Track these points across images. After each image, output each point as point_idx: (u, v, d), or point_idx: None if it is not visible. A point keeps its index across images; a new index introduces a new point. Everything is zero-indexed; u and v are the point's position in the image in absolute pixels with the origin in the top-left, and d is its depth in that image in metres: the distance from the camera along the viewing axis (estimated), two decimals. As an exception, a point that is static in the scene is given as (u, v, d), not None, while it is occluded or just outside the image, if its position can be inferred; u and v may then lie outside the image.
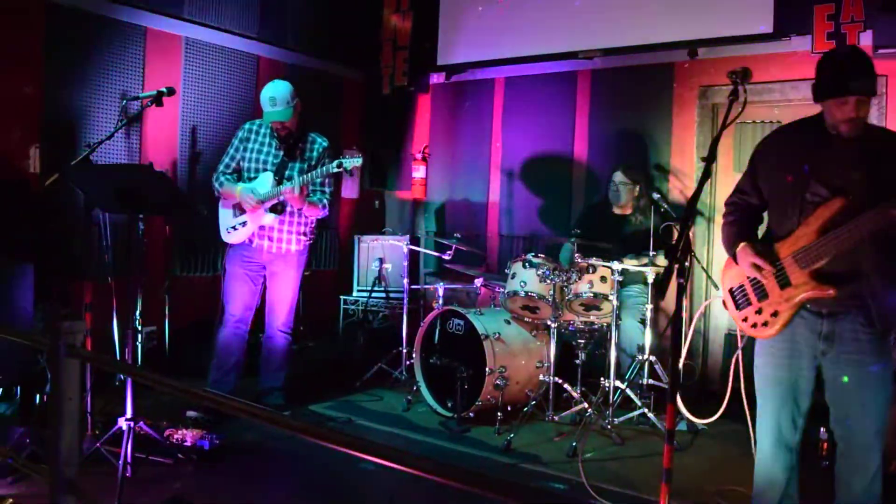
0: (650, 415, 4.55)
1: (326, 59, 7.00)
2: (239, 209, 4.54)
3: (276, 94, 4.44)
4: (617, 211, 5.38)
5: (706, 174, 2.43)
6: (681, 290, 2.17)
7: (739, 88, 2.62)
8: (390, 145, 7.40)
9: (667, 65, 5.96)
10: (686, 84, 5.89)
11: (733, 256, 2.89)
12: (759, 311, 2.80)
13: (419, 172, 7.09)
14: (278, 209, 4.50)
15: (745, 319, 2.85)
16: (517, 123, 6.70)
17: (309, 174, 4.35)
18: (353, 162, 4.30)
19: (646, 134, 6.02)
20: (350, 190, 7.34)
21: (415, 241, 6.38)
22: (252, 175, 4.57)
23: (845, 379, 2.67)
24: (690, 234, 5.68)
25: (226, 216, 4.63)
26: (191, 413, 4.26)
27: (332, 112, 7.13)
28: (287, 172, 4.52)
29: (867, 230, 2.51)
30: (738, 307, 2.89)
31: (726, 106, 2.64)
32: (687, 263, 2.27)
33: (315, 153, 4.62)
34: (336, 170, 4.27)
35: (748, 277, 2.84)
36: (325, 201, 4.63)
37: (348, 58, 7.22)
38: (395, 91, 7.11)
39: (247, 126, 4.71)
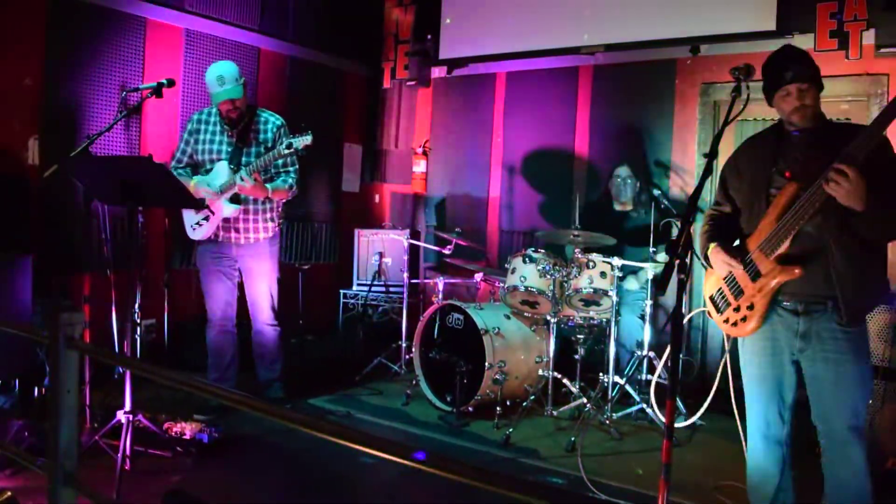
0: (649, 410, 4.55)
1: (328, 53, 6.99)
2: None
3: (223, 72, 4.25)
4: (618, 207, 5.37)
5: (707, 170, 2.44)
6: (681, 287, 2.17)
7: (742, 85, 2.63)
8: (390, 139, 7.37)
9: (669, 61, 5.95)
10: (688, 81, 5.88)
11: (706, 260, 2.96)
12: (736, 309, 2.84)
13: (419, 167, 7.09)
14: (239, 199, 4.35)
15: (726, 321, 2.90)
16: (518, 118, 6.69)
17: (257, 161, 4.20)
18: (303, 140, 4.09)
19: (647, 130, 6.01)
20: (350, 184, 7.32)
21: (415, 235, 6.37)
22: (208, 167, 4.43)
23: (822, 376, 2.69)
24: (691, 231, 5.69)
25: (189, 213, 4.51)
26: (198, 416, 4.18)
27: (333, 105, 7.11)
28: (244, 159, 4.36)
29: (814, 205, 2.54)
30: (718, 311, 2.94)
31: (729, 103, 2.65)
32: (687, 259, 2.26)
33: (269, 133, 4.43)
34: (286, 151, 4.11)
35: (723, 279, 2.90)
36: (290, 181, 4.47)
37: (350, 51, 7.20)
38: (395, 85, 7.09)
39: (195, 117, 4.55)
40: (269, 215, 4.52)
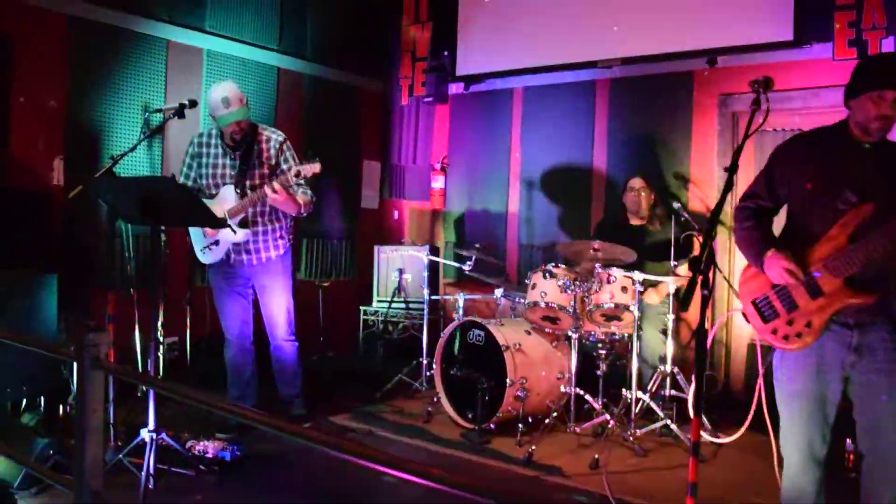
0: (673, 426, 4.50)
1: (345, 70, 7.05)
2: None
3: (228, 93, 4.15)
4: (635, 222, 5.34)
5: (729, 184, 2.41)
6: (705, 302, 2.14)
7: (761, 97, 2.60)
8: (409, 156, 7.40)
9: (686, 73, 5.93)
10: (706, 92, 5.86)
11: (760, 264, 2.81)
12: (790, 322, 2.73)
13: (438, 183, 7.10)
14: (247, 223, 4.31)
15: (774, 332, 2.78)
16: (536, 133, 6.69)
17: (280, 178, 4.07)
18: (311, 168, 4.02)
19: (665, 142, 5.99)
20: (369, 200, 7.36)
21: (434, 251, 6.37)
22: (213, 191, 4.36)
23: (875, 389, 2.62)
24: (714, 246, 5.65)
25: (198, 237, 4.46)
26: (220, 435, 4.19)
27: (351, 122, 7.17)
28: (249, 182, 4.30)
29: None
30: (764, 319, 2.82)
31: (748, 114, 2.62)
32: (710, 274, 2.22)
33: (273, 150, 4.35)
34: (294, 179, 4.04)
35: (772, 287, 2.79)
36: (310, 193, 4.40)
37: (367, 69, 7.26)
38: (413, 102, 7.13)
39: (195, 140, 4.46)
40: (279, 233, 4.48)
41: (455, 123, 7.24)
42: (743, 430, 3.58)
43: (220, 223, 4.08)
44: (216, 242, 4.37)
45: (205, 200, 4.25)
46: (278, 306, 4.55)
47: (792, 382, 2.80)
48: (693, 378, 4.53)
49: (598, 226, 5.74)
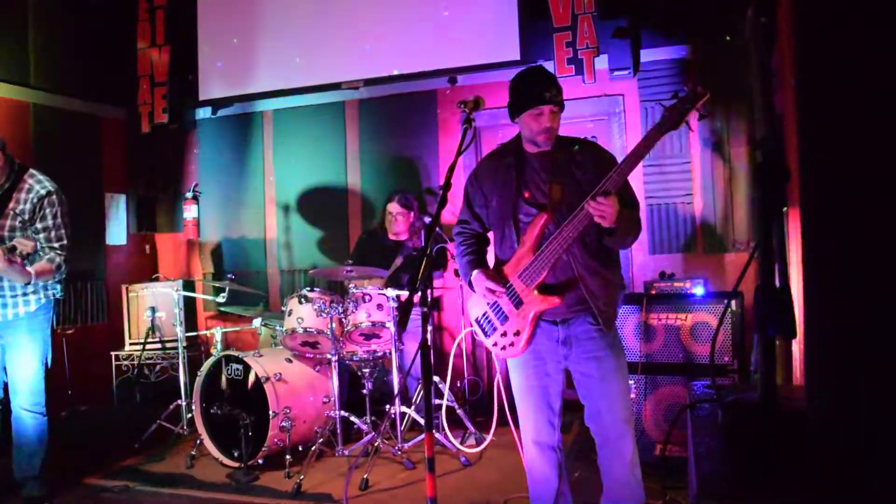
0: (438, 435, 4.61)
1: (80, 98, 6.50)
2: None
3: None
4: (393, 237, 5.43)
5: (442, 201, 2.51)
6: (425, 319, 2.20)
7: (472, 116, 2.74)
8: (157, 185, 7.00)
9: (430, 92, 6.15)
10: (449, 110, 6.10)
11: (470, 285, 3.03)
12: (504, 334, 2.94)
13: (191, 212, 6.75)
14: None
15: (495, 344, 3.00)
16: (289, 156, 6.60)
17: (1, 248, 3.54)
18: (27, 247, 3.52)
19: (416, 159, 6.15)
20: (115, 236, 6.84)
21: (189, 285, 6.05)
22: None
23: (589, 374, 2.87)
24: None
25: None
26: None
27: (90, 154, 6.63)
28: None
29: (572, 236, 2.71)
30: (486, 335, 3.03)
31: (473, 131, 2.76)
32: (430, 293, 2.30)
33: (29, 204, 3.83)
34: (10, 255, 3.50)
35: (488, 304, 2.98)
36: (58, 260, 3.87)
37: (106, 96, 6.75)
38: (156, 129, 6.73)
39: None
40: (29, 289, 3.91)
41: (204, 149, 6.94)
42: (491, 435, 3.73)
43: None
44: None
45: None
46: (21, 369, 3.94)
47: (518, 379, 3.02)
48: (459, 384, 4.68)
49: (357, 243, 5.77)
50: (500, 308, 2.93)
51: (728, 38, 5.00)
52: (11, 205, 3.82)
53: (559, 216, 2.76)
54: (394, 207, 5.35)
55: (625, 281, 3.08)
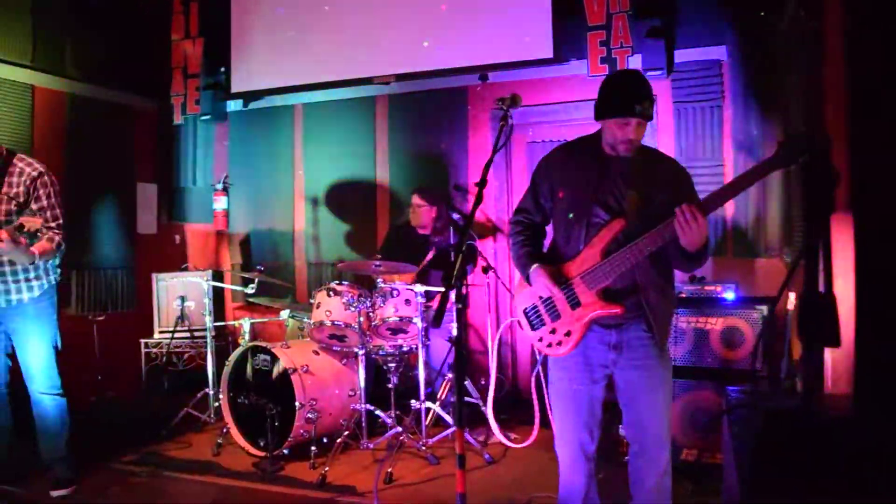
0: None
1: (114, 89, 6.57)
2: None
3: None
4: (420, 231, 5.44)
5: (479, 198, 2.50)
6: (459, 316, 2.20)
7: (508, 113, 2.72)
8: (188, 176, 7.06)
9: (461, 88, 6.15)
10: (479, 106, 6.11)
11: (526, 278, 2.95)
12: (553, 331, 2.87)
13: (220, 204, 6.81)
14: None
15: (540, 339, 2.92)
16: (319, 149, 6.64)
17: (5, 228, 3.57)
18: (34, 223, 3.55)
19: (445, 155, 6.16)
20: (146, 225, 6.92)
21: (218, 275, 6.11)
22: None
23: (635, 382, 2.83)
24: (493, 252, 5.88)
25: None
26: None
27: (123, 143, 6.70)
28: None
29: (646, 251, 2.66)
30: (532, 327, 2.95)
31: (509, 128, 2.73)
32: (464, 290, 2.30)
33: (23, 186, 3.83)
34: (18, 233, 3.54)
35: (540, 297, 2.91)
36: (57, 239, 3.87)
37: (139, 87, 6.82)
38: (188, 120, 6.81)
39: None
40: (31, 274, 3.96)
41: (235, 142, 7.00)
42: (534, 436, 3.71)
43: None
44: None
45: None
46: (33, 354, 4.01)
47: (560, 382, 2.94)
48: (483, 382, 4.67)
49: (385, 238, 5.79)
50: (554, 305, 2.86)
51: (762, 13, 4.87)
52: (4, 189, 3.83)
53: (632, 226, 2.70)
54: (416, 199, 5.38)
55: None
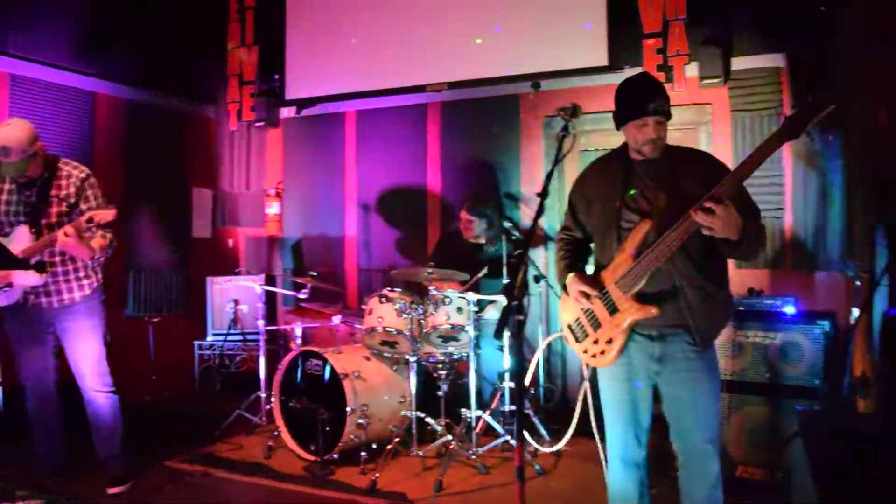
0: (513, 442, 4.58)
1: (172, 95, 6.74)
2: None
3: (9, 142, 3.68)
4: (471, 240, 5.44)
5: (540, 209, 2.49)
6: (520, 328, 2.19)
7: (569, 124, 2.72)
8: (242, 182, 7.18)
9: (513, 96, 6.14)
10: (531, 114, 6.08)
11: (563, 287, 2.99)
12: (595, 342, 2.89)
13: (273, 209, 6.92)
14: (44, 266, 3.84)
15: (585, 351, 2.94)
16: (370, 156, 6.69)
17: (71, 224, 3.71)
18: (106, 215, 3.71)
19: (496, 163, 6.15)
20: (200, 229, 7.05)
21: (270, 279, 6.19)
22: (5, 230, 3.92)
23: (679, 396, 2.80)
24: (544, 262, 5.85)
25: None
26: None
27: (178, 149, 6.85)
28: (45, 220, 3.89)
29: (675, 245, 2.64)
30: (577, 340, 2.98)
31: (561, 138, 2.73)
32: (525, 301, 2.29)
33: (72, 188, 3.96)
34: (87, 224, 3.70)
35: (582, 310, 2.93)
36: (109, 236, 3.98)
37: (195, 93, 6.98)
38: (243, 126, 6.93)
39: None
40: (82, 273, 4.06)
41: (288, 148, 7.10)
42: (567, 438, 3.69)
43: (23, 265, 3.68)
44: (9, 285, 3.89)
45: None
46: (84, 353, 4.08)
47: (606, 391, 2.98)
48: (533, 392, 4.64)
49: (435, 245, 5.80)
50: (594, 314, 2.88)
51: (822, 7, 4.75)
52: (54, 192, 3.96)
53: (662, 225, 2.68)
54: (464, 214, 5.40)
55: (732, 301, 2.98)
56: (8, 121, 3.89)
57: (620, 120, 2.84)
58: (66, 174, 4.00)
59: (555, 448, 4.67)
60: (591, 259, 3.08)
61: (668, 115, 2.78)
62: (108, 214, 3.71)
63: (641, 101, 2.74)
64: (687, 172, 2.76)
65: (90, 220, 3.67)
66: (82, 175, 4.02)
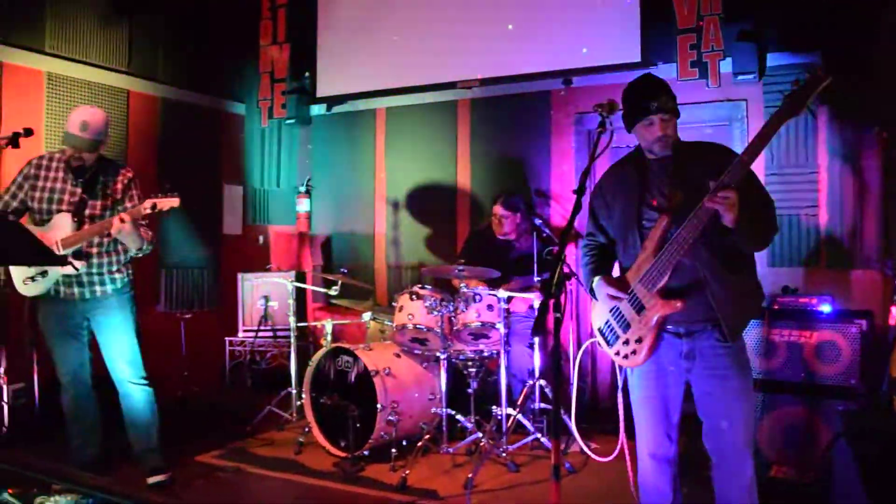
0: (543, 439, 4.58)
1: (203, 93, 6.81)
2: None
3: (91, 119, 3.89)
4: (501, 236, 5.43)
5: (577, 206, 2.48)
6: (557, 325, 2.17)
7: (606, 121, 2.70)
8: (272, 179, 7.23)
9: (543, 93, 6.11)
10: (563, 111, 6.05)
11: (590, 292, 3.00)
12: (626, 342, 2.88)
13: (303, 206, 6.96)
14: (82, 255, 3.94)
15: (617, 353, 2.93)
16: (400, 153, 6.70)
17: (129, 212, 3.85)
18: (169, 202, 3.88)
19: (526, 160, 6.13)
20: (231, 225, 7.11)
21: (301, 276, 6.23)
22: (45, 216, 3.98)
23: (712, 393, 2.78)
24: (574, 259, 5.81)
25: (19, 266, 3.97)
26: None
27: (210, 147, 6.92)
28: (88, 212, 3.98)
29: (692, 236, 2.62)
30: (608, 343, 2.97)
31: (595, 137, 2.72)
32: (562, 298, 2.27)
33: (120, 185, 4.09)
34: (148, 212, 3.86)
35: (610, 311, 2.94)
36: (150, 232, 4.14)
37: (226, 91, 7.05)
38: (274, 124, 6.97)
39: (34, 161, 4.06)
40: (115, 266, 4.13)
41: (318, 145, 7.13)
42: (619, 448, 3.65)
43: (59, 261, 3.74)
44: (44, 273, 3.97)
45: (36, 226, 3.95)
46: (119, 346, 4.14)
47: (636, 389, 2.97)
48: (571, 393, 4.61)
49: (465, 242, 5.80)
50: (622, 315, 2.88)
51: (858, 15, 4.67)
52: (100, 186, 4.07)
53: (680, 219, 2.67)
54: (499, 209, 5.35)
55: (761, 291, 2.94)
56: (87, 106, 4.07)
57: (629, 123, 2.89)
58: (115, 171, 4.14)
59: (586, 448, 4.64)
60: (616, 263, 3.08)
61: (675, 112, 2.81)
62: (173, 201, 3.86)
63: (645, 101, 2.78)
64: (700, 164, 2.75)
65: (154, 207, 3.82)
66: (130, 174, 4.17)
